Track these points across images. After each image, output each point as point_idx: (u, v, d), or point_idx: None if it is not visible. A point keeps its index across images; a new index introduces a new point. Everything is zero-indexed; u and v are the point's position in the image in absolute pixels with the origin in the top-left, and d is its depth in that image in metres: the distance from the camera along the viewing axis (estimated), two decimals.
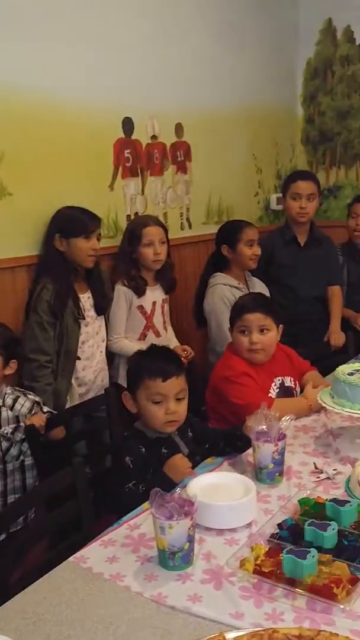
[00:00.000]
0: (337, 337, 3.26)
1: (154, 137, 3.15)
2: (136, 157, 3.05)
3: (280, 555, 1.32)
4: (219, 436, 1.96)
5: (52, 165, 2.63)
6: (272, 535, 1.44)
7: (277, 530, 1.46)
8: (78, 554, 1.44)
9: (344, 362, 2.74)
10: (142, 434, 1.85)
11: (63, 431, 2.32)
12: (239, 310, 2.29)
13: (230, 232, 3.08)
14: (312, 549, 1.30)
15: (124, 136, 2.97)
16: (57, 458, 2.13)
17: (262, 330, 2.23)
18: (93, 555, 1.44)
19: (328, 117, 4.36)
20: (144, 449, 1.80)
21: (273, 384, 2.31)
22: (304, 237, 3.37)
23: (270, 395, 2.26)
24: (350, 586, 1.24)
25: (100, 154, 2.87)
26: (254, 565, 1.32)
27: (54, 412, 2.30)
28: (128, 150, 3.00)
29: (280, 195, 3.66)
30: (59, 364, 2.52)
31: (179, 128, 3.31)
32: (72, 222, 2.50)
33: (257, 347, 2.23)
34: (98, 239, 2.57)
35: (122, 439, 1.92)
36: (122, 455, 1.79)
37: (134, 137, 3.03)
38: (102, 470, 2.28)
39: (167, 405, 1.78)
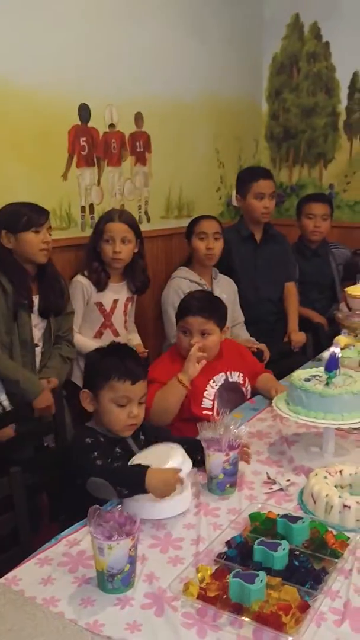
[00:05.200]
0: (298, 335, 3.21)
1: (112, 125, 3.01)
2: (92, 145, 2.91)
3: (227, 578, 1.23)
4: (177, 443, 1.85)
5: (1, 151, 2.48)
6: (220, 555, 1.35)
7: (225, 549, 1.38)
8: (10, 575, 1.33)
9: (301, 363, 2.71)
10: (95, 432, 1.75)
11: (12, 431, 2.18)
12: (181, 310, 2.28)
13: (189, 225, 3.02)
14: (260, 573, 1.21)
15: (80, 123, 2.83)
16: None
17: (203, 334, 2.21)
18: (26, 575, 1.33)
19: (293, 114, 4.29)
20: (102, 438, 1.71)
21: (211, 382, 2.27)
22: (260, 234, 3.32)
23: (207, 393, 2.23)
24: (299, 613, 1.16)
25: (54, 142, 2.72)
26: (198, 589, 1.23)
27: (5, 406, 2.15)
28: (84, 138, 2.86)
29: None
30: (17, 357, 2.34)
31: (138, 117, 3.18)
32: (18, 216, 2.32)
33: None
34: (49, 233, 2.41)
35: (78, 429, 1.82)
36: (82, 437, 1.68)
37: (90, 124, 2.88)
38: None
39: (131, 408, 1.70)
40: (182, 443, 1.82)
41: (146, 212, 3.34)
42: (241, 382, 2.34)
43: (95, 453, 1.60)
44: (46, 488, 2.23)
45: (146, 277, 2.87)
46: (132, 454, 1.73)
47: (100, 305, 2.73)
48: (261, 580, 1.19)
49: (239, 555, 1.34)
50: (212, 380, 2.26)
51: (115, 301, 2.78)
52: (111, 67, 2.96)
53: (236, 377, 2.32)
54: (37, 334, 2.42)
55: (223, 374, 2.29)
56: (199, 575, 1.27)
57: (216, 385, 2.26)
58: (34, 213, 2.34)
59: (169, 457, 1.58)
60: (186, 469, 1.58)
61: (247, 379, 2.36)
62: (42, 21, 2.57)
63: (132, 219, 2.79)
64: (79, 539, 1.46)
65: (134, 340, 2.88)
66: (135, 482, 1.49)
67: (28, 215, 2.32)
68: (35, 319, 2.41)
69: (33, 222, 2.32)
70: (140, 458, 1.60)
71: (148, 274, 2.89)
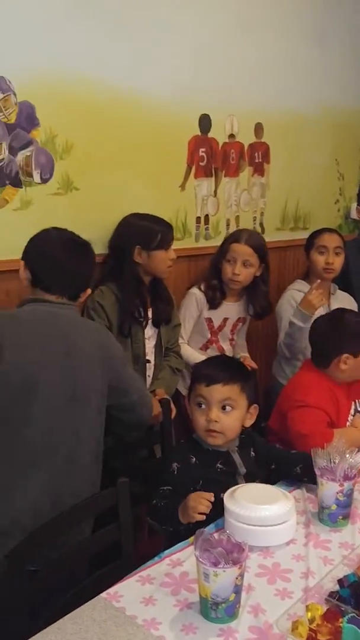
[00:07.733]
0: None
1: (231, 136, 2.98)
2: (211, 156, 2.89)
3: (340, 621, 1.14)
4: (295, 459, 1.77)
5: (122, 161, 2.51)
6: (331, 594, 1.25)
7: (337, 588, 1.28)
8: (112, 590, 1.31)
9: None
10: (197, 444, 1.72)
11: None
12: None
13: (309, 237, 2.91)
14: None
15: (200, 134, 2.82)
16: None
17: None
18: (128, 592, 1.30)
19: None
20: (194, 459, 1.68)
21: (352, 407, 2.17)
22: None
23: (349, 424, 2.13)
24: None
25: (174, 152, 2.72)
26: (308, 631, 1.15)
27: None
28: (203, 149, 2.84)
29: None
30: None
31: (258, 128, 3.12)
32: (152, 234, 2.36)
33: None
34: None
35: (176, 446, 1.81)
36: (170, 461, 1.70)
37: (210, 135, 2.87)
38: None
39: (209, 411, 1.66)
40: (302, 458, 1.74)
41: (261, 224, 3.27)
42: None
43: (165, 488, 1.60)
44: (148, 499, 2.23)
45: (267, 303, 2.77)
46: (235, 471, 1.68)
47: (209, 321, 2.71)
48: None
49: (352, 596, 1.24)
50: (353, 406, 2.18)
51: (225, 320, 2.74)
52: (232, 77, 2.92)
53: None
54: (149, 346, 2.43)
55: (355, 401, 2.19)
56: (309, 614, 1.19)
57: (352, 415, 2.16)
58: (166, 231, 2.40)
59: (270, 501, 1.50)
60: (284, 508, 1.50)
61: None
62: (164, 34, 2.58)
63: (259, 242, 2.68)
64: (182, 560, 1.41)
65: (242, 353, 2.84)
66: (170, 518, 1.51)
67: (162, 234, 2.37)
68: (148, 330, 2.43)
69: (165, 241, 2.38)
70: (243, 491, 1.53)
71: (270, 300, 2.80)
